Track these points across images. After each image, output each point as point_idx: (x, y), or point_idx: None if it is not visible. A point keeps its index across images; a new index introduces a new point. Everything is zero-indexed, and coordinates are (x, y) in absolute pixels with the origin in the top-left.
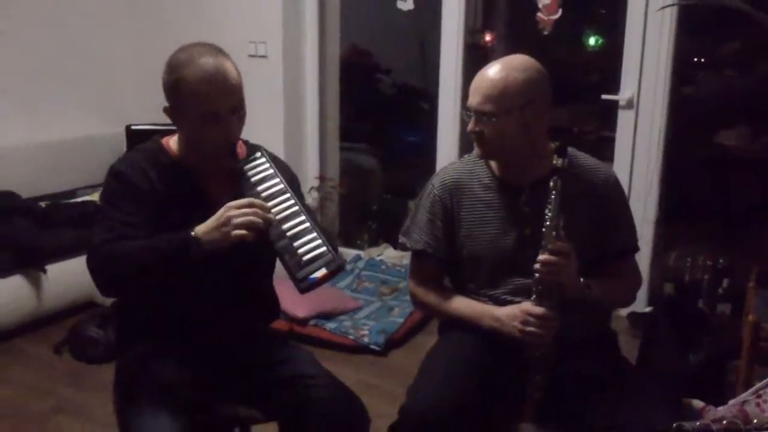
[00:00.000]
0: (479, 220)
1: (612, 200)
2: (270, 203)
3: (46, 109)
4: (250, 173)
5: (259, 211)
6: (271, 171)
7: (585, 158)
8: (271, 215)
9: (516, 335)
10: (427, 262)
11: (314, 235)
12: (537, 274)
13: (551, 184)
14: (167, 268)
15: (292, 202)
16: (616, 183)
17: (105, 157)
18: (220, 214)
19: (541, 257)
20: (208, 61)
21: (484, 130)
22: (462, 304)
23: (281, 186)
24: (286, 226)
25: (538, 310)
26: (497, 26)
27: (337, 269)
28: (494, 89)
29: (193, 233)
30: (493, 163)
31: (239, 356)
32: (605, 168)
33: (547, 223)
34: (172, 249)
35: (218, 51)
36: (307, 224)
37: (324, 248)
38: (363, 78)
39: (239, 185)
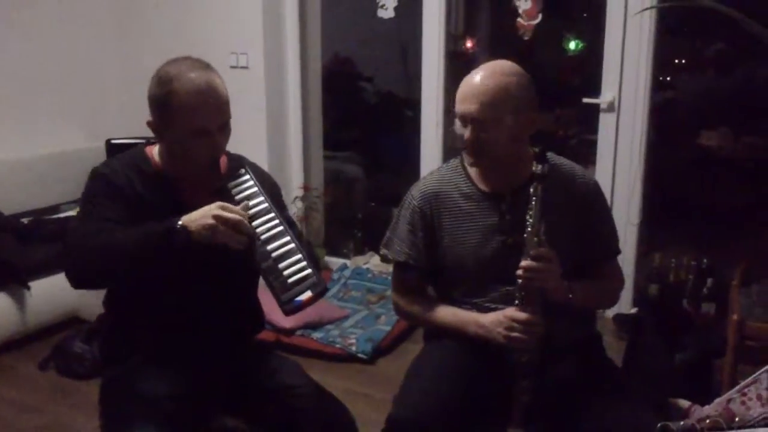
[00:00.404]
0: (461, 229)
1: (593, 205)
2: (254, 222)
3: (25, 125)
4: (235, 191)
5: (244, 229)
6: (255, 189)
7: (565, 164)
8: (247, 240)
9: (501, 341)
10: (409, 274)
11: (299, 256)
12: (520, 281)
13: (531, 190)
14: (147, 256)
15: (277, 221)
16: (597, 188)
17: (86, 172)
18: (211, 209)
19: (524, 263)
20: (198, 76)
21: (480, 138)
22: (446, 313)
23: (266, 205)
24: (270, 246)
25: (522, 315)
26: (478, 32)
27: (321, 292)
28: (489, 95)
29: (179, 222)
30: (472, 172)
31: (226, 368)
32: (585, 173)
33: (529, 229)
34: (157, 233)
35: (206, 66)
36: (292, 245)
37: (309, 270)
38: (346, 86)
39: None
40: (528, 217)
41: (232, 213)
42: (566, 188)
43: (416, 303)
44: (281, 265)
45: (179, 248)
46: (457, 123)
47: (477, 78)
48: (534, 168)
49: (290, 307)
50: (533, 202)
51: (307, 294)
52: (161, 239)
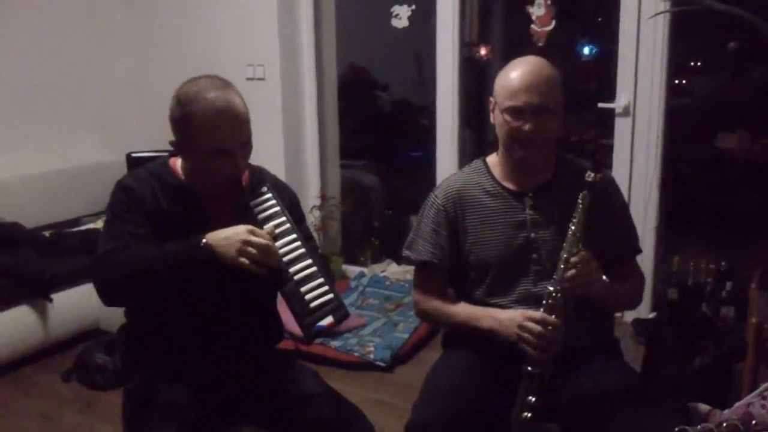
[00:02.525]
0: (485, 227)
1: (612, 202)
2: (277, 243)
3: (46, 139)
4: (257, 209)
5: (271, 255)
6: (278, 208)
7: (583, 164)
8: (279, 260)
9: (513, 339)
10: (432, 273)
11: (321, 280)
12: (557, 294)
13: (580, 198)
14: (174, 274)
15: (299, 243)
16: (615, 185)
17: (107, 184)
18: (238, 232)
19: (568, 274)
20: (217, 96)
21: (542, 127)
22: (464, 308)
23: (288, 225)
24: (293, 269)
25: (539, 314)
26: (492, 39)
27: (342, 317)
28: (549, 84)
29: (204, 240)
30: (496, 171)
31: (246, 377)
32: (604, 171)
33: (569, 235)
34: (182, 253)
35: (226, 84)
36: (314, 268)
37: (331, 295)
38: (361, 96)
39: (245, 221)
40: (571, 224)
41: (261, 238)
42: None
43: (435, 300)
44: (303, 289)
45: (204, 266)
46: (505, 118)
47: (528, 69)
48: (587, 176)
49: (311, 332)
50: (579, 209)
51: (329, 319)
52: (186, 257)
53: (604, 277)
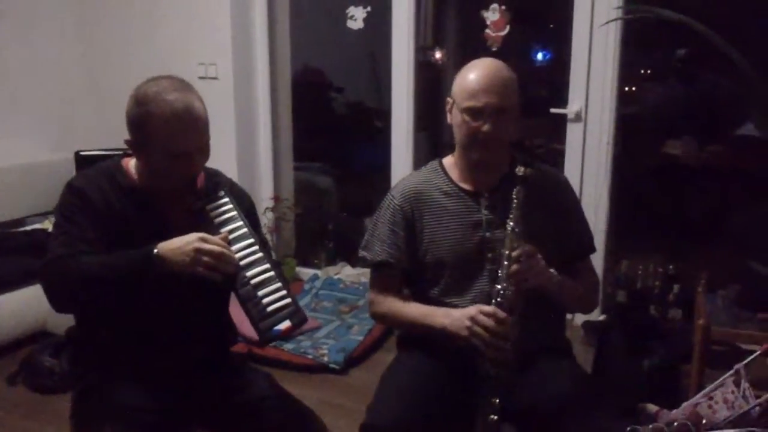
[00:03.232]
0: (441, 227)
1: (565, 202)
2: (233, 247)
3: None
4: (213, 213)
5: (227, 262)
6: (234, 213)
7: (538, 164)
8: (232, 269)
9: (463, 335)
10: (388, 273)
11: (279, 285)
12: (504, 291)
13: (514, 192)
14: (125, 283)
15: (256, 247)
16: (568, 185)
17: (54, 183)
18: (190, 241)
19: (512, 269)
20: (177, 98)
21: (499, 128)
22: (417, 307)
23: (245, 230)
24: (249, 273)
25: (490, 308)
26: (447, 43)
27: (300, 322)
28: (506, 86)
29: (155, 251)
30: (452, 172)
31: (198, 382)
32: (555, 172)
33: (508, 231)
34: (132, 264)
35: (186, 86)
36: (272, 273)
37: (289, 299)
38: (316, 97)
39: (201, 225)
40: (509, 219)
41: (214, 245)
42: (539, 187)
43: (390, 300)
44: (260, 293)
45: (155, 276)
46: (464, 118)
47: (487, 71)
48: (518, 170)
49: (268, 336)
50: (514, 204)
51: (286, 323)
52: (138, 268)
53: (553, 271)
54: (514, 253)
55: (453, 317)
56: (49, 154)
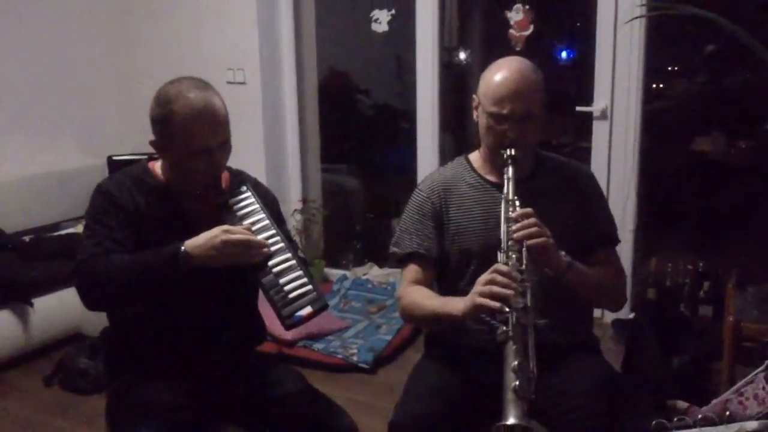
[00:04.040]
0: (468, 217)
1: (587, 191)
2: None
3: (26, 144)
4: (236, 207)
5: (254, 247)
6: (256, 206)
7: (561, 158)
8: (264, 254)
9: (478, 302)
10: (417, 264)
11: (300, 272)
12: (508, 254)
13: (505, 170)
14: (154, 281)
15: (278, 238)
16: (590, 175)
17: (87, 189)
18: (215, 234)
19: (517, 225)
20: (197, 96)
21: (524, 132)
22: (438, 298)
23: (267, 222)
24: (272, 261)
25: (503, 267)
26: (471, 44)
27: (321, 308)
28: (532, 91)
29: (182, 248)
30: (476, 164)
31: (228, 379)
32: (579, 164)
33: (503, 201)
34: (161, 261)
35: (206, 85)
36: (293, 261)
37: (310, 286)
38: (342, 100)
39: (224, 218)
40: (505, 190)
41: (237, 234)
42: (560, 175)
43: (415, 290)
44: (282, 281)
45: (183, 273)
46: (489, 122)
47: (514, 76)
48: (505, 153)
49: (290, 322)
50: (507, 179)
51: (308, 309)
52: (166, 266)
53: (563, 253)
54: (513, 215)
55: (467, 297)
56: (82, 159)
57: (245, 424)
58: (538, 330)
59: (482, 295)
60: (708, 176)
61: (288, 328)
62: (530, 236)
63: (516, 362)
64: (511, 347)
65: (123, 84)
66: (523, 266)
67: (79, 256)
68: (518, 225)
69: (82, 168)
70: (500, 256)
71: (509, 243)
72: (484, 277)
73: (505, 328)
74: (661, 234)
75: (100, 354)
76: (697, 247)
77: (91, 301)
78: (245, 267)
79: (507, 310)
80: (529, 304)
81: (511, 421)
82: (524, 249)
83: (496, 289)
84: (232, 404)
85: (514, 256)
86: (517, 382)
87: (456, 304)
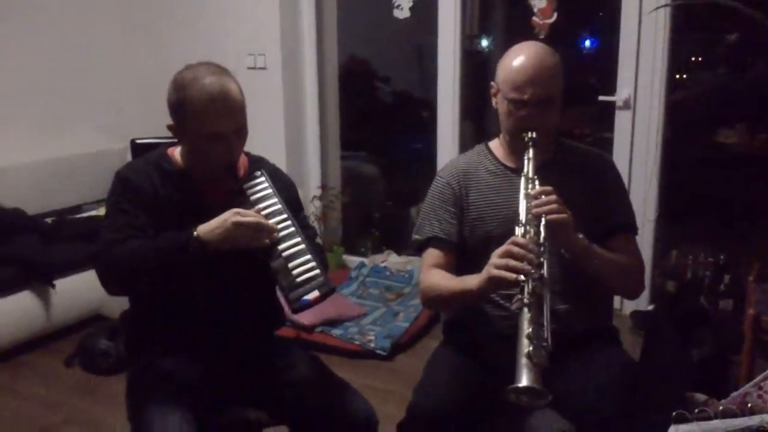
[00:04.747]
0: (488, 203)
1: (607, 177)
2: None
3: (50, 126)
4: (249, 192)
5: (265, 230)
6: (269, 191)
7: (579, 144)
8: (276, 234)
9: (493, 274)
10: (438, 249)
11: (309, 257)
12: (526, 229)
13: (525, 155)
14: (170, 266)
15: (289, 222)
16: (610, 162)
17: (110, 172)
18: (226, 218)
19: (533, 203)
20: (212, 82)
21: (544, 117)
22: (455, 278)
23: (279, 206)
24: (281, 246)
25: (518, 238)
26: (493, 31)
27: (328, 292)
28: (551, 76)
29: (195, 233)
30: (497, 151)
31: (247, 361)
32: (600, 151)
33: (523, 178)
34: (174, 246)
35: (222, 71)
36: (302, 246)
37: (317, 271)
38: (362, 87)
39: (238, 203)
40: (525, 169)
41: (249, 217)
42: (580, 160)
43: (434, 273)
44: (291, 264)
45: (196, 258)
46: (509, 108)
47: (532, 61)
48: (525, 136)
49: (297, 306)
50: (527, 159)
51: (315, 293)
52: (180, 251)
53: (581, 236)
54: (532, 191)
55: (482, 271)
56: (104, 142)
57: (263, 407)
58: (559, 315)
59: (498, 267)
60: (730, 168)
61: (295, 311)
62: (549, 212)
63: (530, 329)
64: (525, 315)
65: (145, 68)
66: (541, 239)
67: (98, 243)
68: (537, 201)
69: (105, 151)
70: (518, 230)
71: (528, 217)
72: (501, 249)
73: (520, 296)
74: (682, 226)
75: (120, 335)
76: (719, 239)
77: (111, 287)
78: (256, 250)
79: (522, 278)
80: (545, 275)
81: (524, 383)
82: (542, 225)
83: (512, 261)
84: (250, 386)
85: (531, 230)
86: (531, 348)
87: (472, 280)
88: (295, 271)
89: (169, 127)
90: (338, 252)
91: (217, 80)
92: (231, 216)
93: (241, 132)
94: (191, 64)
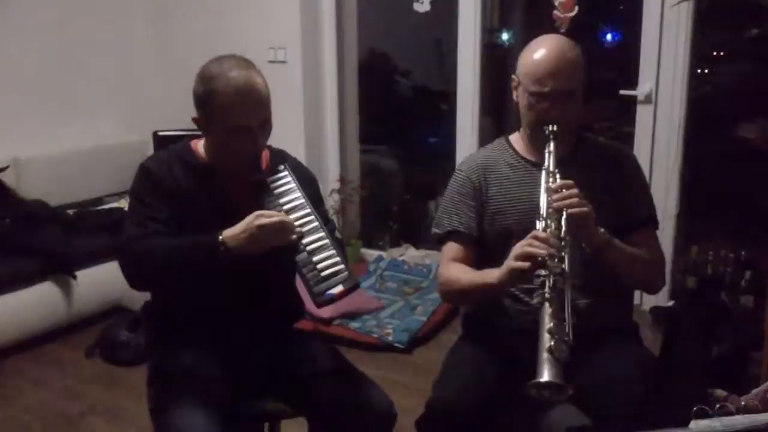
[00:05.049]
0: (508, 197)
1: (627, 171)
2: (291, 217)
3: (73, 118)
4: (273, 185)
5: (289, 230)
6: (293, 185)
7: (600, 138)
8: (297, 233)
9: (512, 266)
10: (458, 242)
11: (333, 251)
12: (547, 222)
13: (546, 148)
14: (194, 271)
15: (312, 217)
16: (632, 156)
17: (132, 164)
18: (250, 221)
19: (554, 197)
20: (239, 75)
21: (565, 110)
22: (474, 271)
23: (302, 201)
24: (305, 240)
25: (538, 232)
26: (514, 25)
27: (353, 287)
28: (573, 69)
29: (220, 238)
30: (517, 145)
31: (267, 354)
32: (621, 145)
33: (544, 172)
34: (200, 253)
35: (249, 64)
36: (326, 240)
37: (342, 265)
38: (381, 80)
39: (262, 197)
40: (546, 163)
41: (272, 218)
42: (601, 153)
43: (453, 267)
44: (315, 259)
45: (223, 264)
46: (530, 101)
47: (554, 54)
48: (545, 129)
49: (321, 300)
50: (548, 152)
51: (339, 288)
52: (205, 256)
53: (602, 230)
54: (553, 185)
55: (503, 265)
56: (127, 134)
57: (282, 399)
58: (579, 310)
59: (518, 258)
60: (752, 163)
61: (319, 306)
62: (570, 205)
63: (551, 324)
64: (547, 309)
65: (167, 60)
66: (562, 234)
67: (123, 238)
68: (558, 195)
69: (127, 143)
70: (538, 224)
71: (548, 211)
72: (522, 242)
73: (542, 291)
74: (703, 221)
75: (141, 327)
76: (740, 235)
77: (134, 282)
78: (280, 247)
79: (544, 273)
80: (566, 269)
81: (545, 378)
82: (563, 219)
83: (532, 250)
84: (269, 378)
85: (552, 224)
86: (552, 343)
87: (492, 273)
88: (319, 266)
89: (195, 120)
90: (356, 245)
91: (244, 73)
92: (254, 219)
93: (266, 125)
94: (218, 57)
